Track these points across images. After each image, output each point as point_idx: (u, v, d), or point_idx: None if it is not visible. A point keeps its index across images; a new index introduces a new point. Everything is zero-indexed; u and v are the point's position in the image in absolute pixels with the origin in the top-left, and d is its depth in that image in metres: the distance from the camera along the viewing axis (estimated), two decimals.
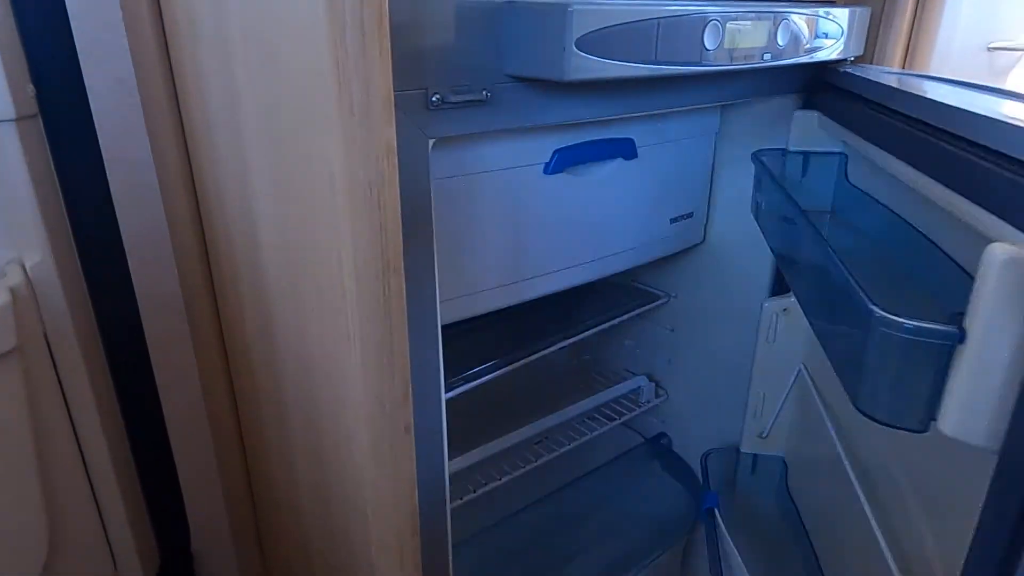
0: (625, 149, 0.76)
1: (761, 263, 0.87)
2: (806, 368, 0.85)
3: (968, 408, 0.37)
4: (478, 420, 1.06)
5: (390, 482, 0.57)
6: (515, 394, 1.13)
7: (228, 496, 1.07)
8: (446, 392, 0.77)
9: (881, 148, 0.57)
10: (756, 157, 0.75)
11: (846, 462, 0.68)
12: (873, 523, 0.61)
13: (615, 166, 0.76)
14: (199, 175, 0.80)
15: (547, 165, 0.70)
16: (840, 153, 0.75)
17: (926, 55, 0.75)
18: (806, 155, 0.75)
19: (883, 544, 0.58)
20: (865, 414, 0.43)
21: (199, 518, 1.09)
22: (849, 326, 0.45)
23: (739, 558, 0.75)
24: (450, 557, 0.67)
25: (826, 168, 0.76)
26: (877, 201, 0.66)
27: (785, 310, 0.84)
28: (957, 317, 0.38)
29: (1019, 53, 0.96)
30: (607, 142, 0.74)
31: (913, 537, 0.56)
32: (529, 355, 0.85)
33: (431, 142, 0.51)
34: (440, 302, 0.64)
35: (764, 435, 0.91)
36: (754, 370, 0.89)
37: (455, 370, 0.81)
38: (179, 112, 0.79)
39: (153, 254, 0.92)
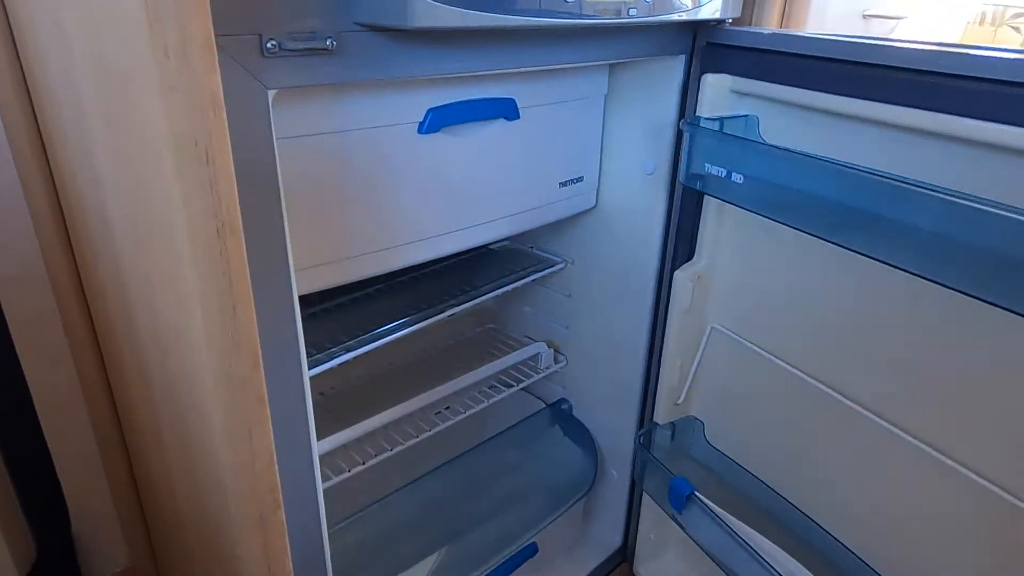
0: (506, 109, 0.74)
1: (651, 229, 0.87)
2: (722, 326, 0.87)
3: None
4: (378, 391, 1.04)
5: (246, 457, 0.54)
6: (418, 365, 1.11)
7: (109, 475, 1.02)
8: (327, 360, 0.75)
9: (828, 92, 0.64)
10: (692, 125, 0.74)
11: (823, 387, 0.76)
12: (874, 418, 0.71)
13: (497, 127, 0.74)
14: (48, 139, 0.73)
15: (421, 124, 0.67)
16: (746, 116, 0.75)
17: (802, 19, 0.76)
18: (721, 121, 0.74)
19: (895, 430, 0.69)
20: None
21: (79, 500, 1.03)
22: None
23: (745, 525, 0.77)
24: (324, 533, 0.65)
25: (738, 132, 0.76)
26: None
27: (699, 277, 0.85)
28: None
29: (894, 22, 1.00)
30: (486, 102, 0.72)
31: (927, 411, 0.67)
32: (417, 323, 0.83)
33: (271, 93, 0.48)
34: (303, 269, 0.61)
35: (679, 401, 0.93)
36: (668, 342, 0.89)
37: (337, 341, 0.78)
38: (22, 71, 0.73)
39: (8, 226, 0.85)
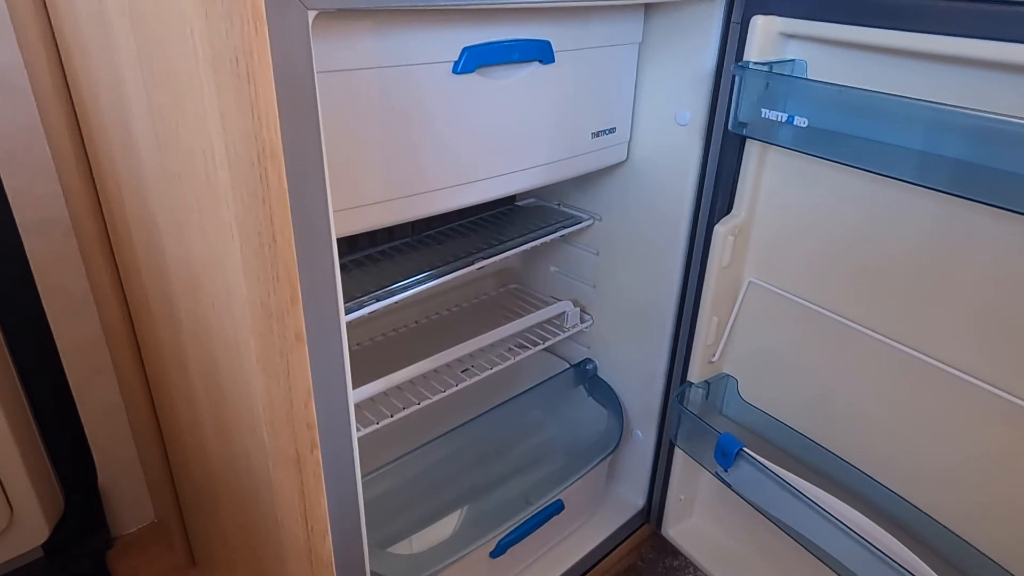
0: (541, 51, 0.72)
1: (685, 183, 0.85)
2: (760, 280, 0.85)
3: None
4: (402, 349, 1.03)
5: (283, 393, 0.53)
6: (443, 324, 1.10)
7: (134, 426, 1.02)
8: (357, 309, 0.74)
9: (891, 28, 0.62)
10: (744, 68, 0.72)
11: (873, 333, 0.75)
12: (916, 354, 0.71)
13: (531, 70, 0.72)
14: (72, 74, 0.72)
15: (456, 63, 0.65)
16: (793, 60, 0.73)
17: None
18: (770, 65, 0.72)
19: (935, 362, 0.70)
20: None
21: (105, 453, 1.04)
22: None
23: (800, 479, 0.77)
24: (358, 478, 0.65)
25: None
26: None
27: (739, 230, 0.83)
28: None
29: None
30: (521, 42, 0.69)
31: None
32: (445, 274, 0.81)
33: (311, 14, 0.46)
34: (334, 211, 0.59)
35: (715, 359, 0.92)
36: (705, 299, 0.88)
37: (367, 291, 0.77)
38: (45, 9, 0.71)
39: (30, 169, 0.84)
